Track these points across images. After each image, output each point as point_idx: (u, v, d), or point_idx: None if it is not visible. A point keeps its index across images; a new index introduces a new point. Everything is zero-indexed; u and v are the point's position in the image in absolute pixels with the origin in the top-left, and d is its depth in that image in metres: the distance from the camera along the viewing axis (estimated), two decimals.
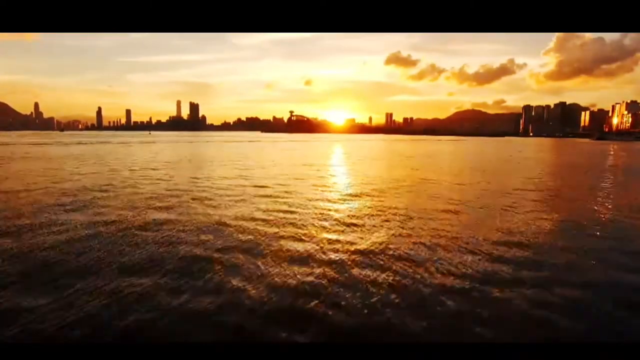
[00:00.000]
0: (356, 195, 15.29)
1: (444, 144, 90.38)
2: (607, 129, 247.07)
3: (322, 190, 16.50)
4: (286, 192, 15.74)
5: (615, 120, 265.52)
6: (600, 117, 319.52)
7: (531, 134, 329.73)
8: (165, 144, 71.16)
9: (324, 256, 7.79)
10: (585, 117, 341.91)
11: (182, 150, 49.22)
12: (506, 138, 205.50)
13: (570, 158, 46.60)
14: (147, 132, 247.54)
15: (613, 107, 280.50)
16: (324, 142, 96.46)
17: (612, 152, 59.27)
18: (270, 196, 14.51)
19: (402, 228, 10.10)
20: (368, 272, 6.96)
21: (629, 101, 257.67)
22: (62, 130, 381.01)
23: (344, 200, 14.30)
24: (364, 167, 29.70)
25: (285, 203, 13.20)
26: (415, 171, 26.08)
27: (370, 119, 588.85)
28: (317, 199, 14.19)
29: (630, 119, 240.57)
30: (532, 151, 61.88)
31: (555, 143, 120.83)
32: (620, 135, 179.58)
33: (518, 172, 27.08)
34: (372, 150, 57.20)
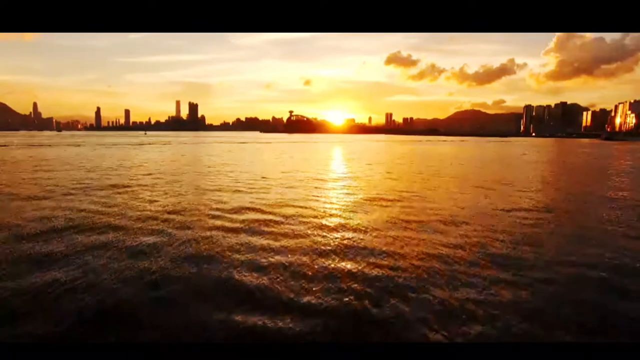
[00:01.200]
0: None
1: (456, 145, 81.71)
2: (609, 129, 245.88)
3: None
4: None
5: (618, 120, 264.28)
6: (602, 117, 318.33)
7: (533, 134, 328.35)
8: (149, 145, 65.90)
9: None
10: (587, 117, 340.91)
11: (156, 155, 41.86)
12: (509, 138, 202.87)
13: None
14: (143, 133, 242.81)
15: (616, 107, 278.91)
16: (326, 143, 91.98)
17: None
18: None
19: None
20: None
21: (632, 101, 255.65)
22: (59, 130, 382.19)
23: None
24: (404, 180, 19.90)
25: None
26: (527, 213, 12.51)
27: (370, 119, 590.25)
28: None
29: (634, 119, 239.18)
30: (561, 154, 55.64)
31: (565, 144, 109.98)
32: (629, 135, 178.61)
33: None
34: (386, 154, 48.79)
